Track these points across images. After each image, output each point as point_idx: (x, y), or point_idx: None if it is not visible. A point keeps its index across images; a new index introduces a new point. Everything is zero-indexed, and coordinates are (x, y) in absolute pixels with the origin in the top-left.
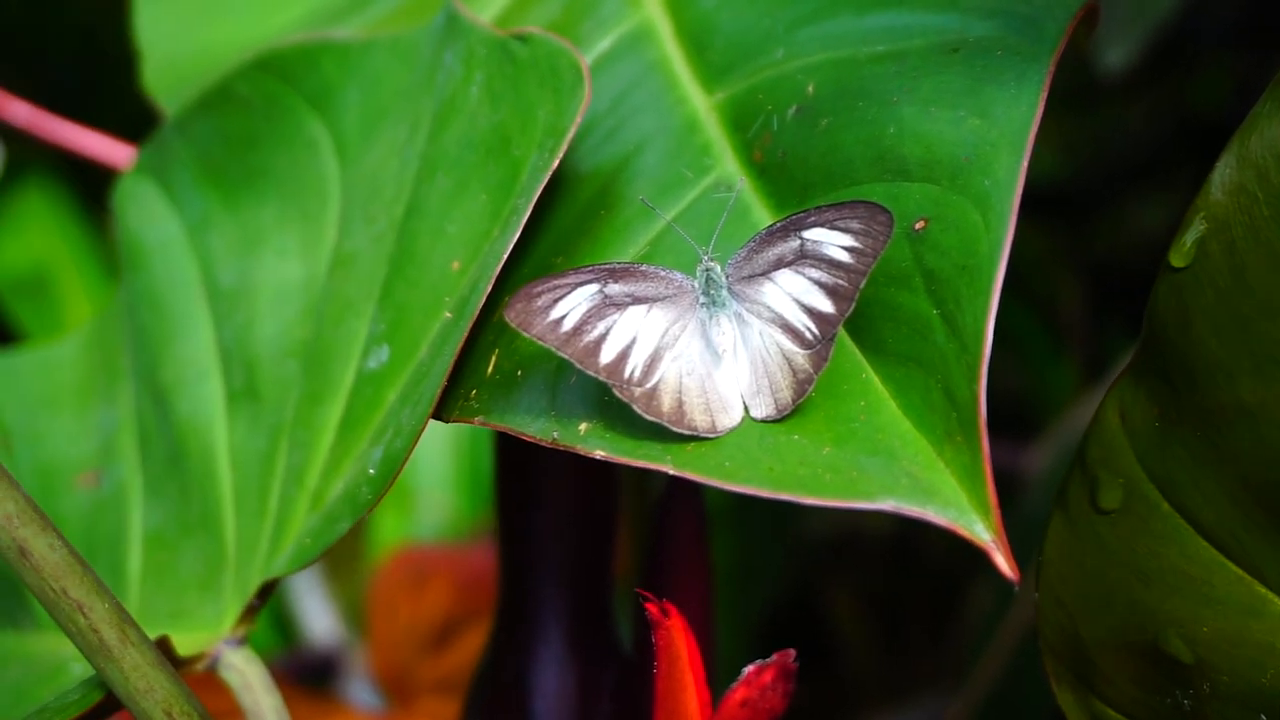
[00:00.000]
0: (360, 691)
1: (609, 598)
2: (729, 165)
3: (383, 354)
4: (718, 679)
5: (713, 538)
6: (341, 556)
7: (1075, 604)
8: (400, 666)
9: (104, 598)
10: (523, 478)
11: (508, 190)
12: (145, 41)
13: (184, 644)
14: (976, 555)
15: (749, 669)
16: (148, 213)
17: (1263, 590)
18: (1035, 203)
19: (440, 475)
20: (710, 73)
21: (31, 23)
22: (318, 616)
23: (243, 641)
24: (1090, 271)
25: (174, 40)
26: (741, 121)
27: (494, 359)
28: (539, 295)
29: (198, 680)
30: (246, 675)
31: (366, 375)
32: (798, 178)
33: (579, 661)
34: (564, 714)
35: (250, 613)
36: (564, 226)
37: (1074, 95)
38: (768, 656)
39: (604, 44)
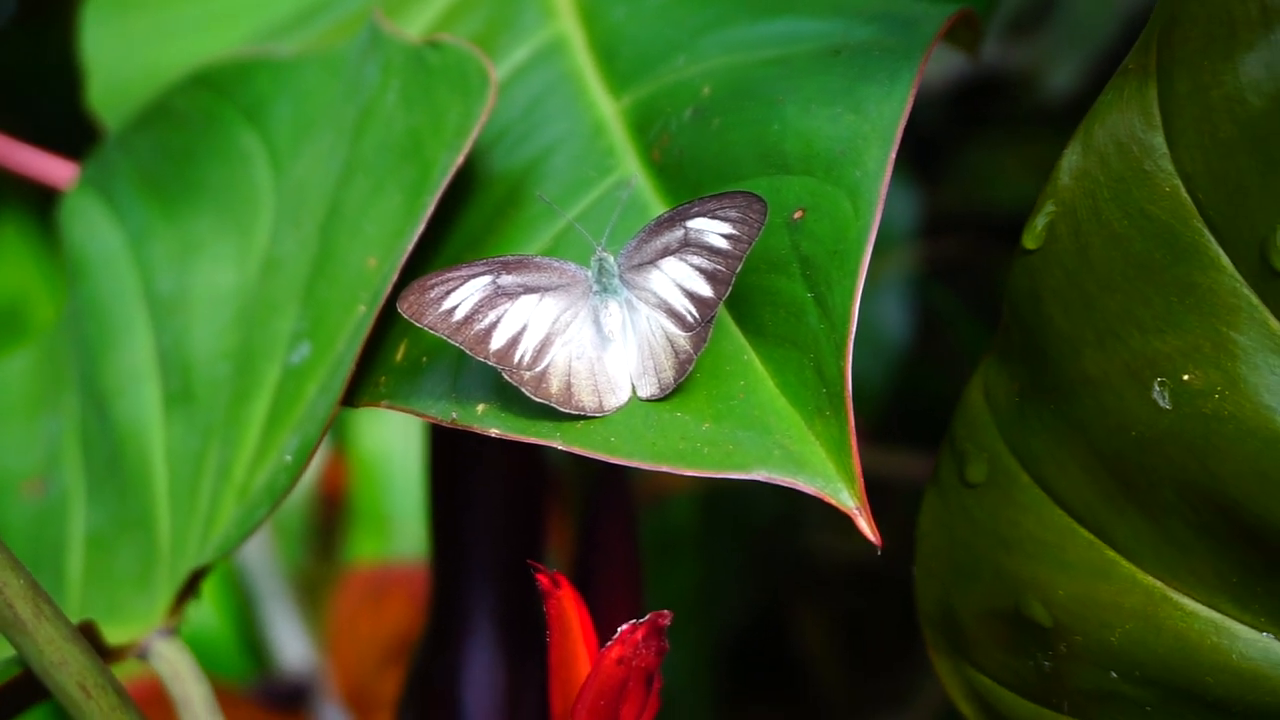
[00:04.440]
0: (332, 716)
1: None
2: (630, 165)
3: (304, 350)
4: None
5: (677, 561)
6: (316, 583)
7: (947, 575)
8: (363, 682)
9: (18, 574)
10: (452, 477)
11: (420, 189)
12: (91, 61)
13: (118, 637)
14: None
15: (623, 628)
16: (91, 226)
17: (1111, 554)
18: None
19: (415, 502)
20: (617, 80)
21: (23, 62)
22: (291, 643)
23: (173, 632)
24: None
25: (119, 60)
26: (644, 125)
27: (403, 348)
28: (432, 288)
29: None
30: (175, 665)
31: (290, 371)
32: (690, 175)
33: (508, 654)
34: (493, 706)
35: (180, 604)
36: (475, 225)
37: (1050, 122)
38: (732, 678)
39: (520, 54)
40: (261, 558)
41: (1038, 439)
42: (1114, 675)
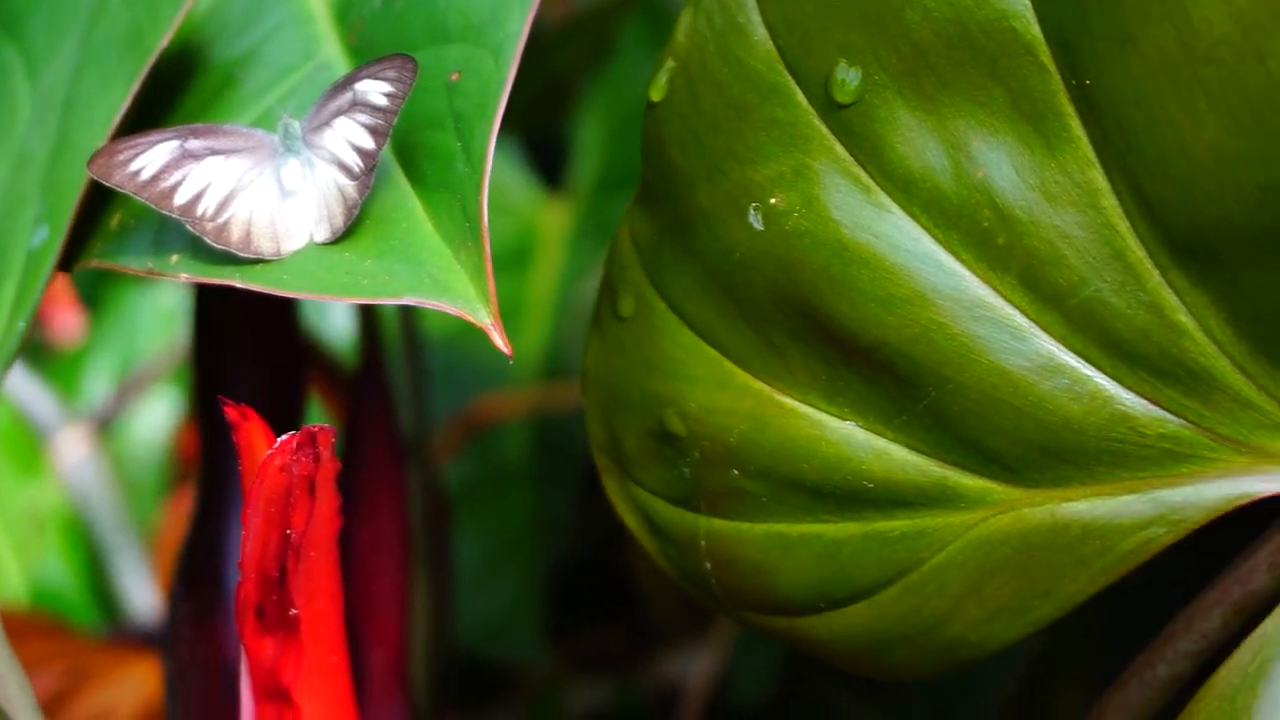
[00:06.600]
0: None
1: None
2: (331, 50)
3: (43, 233)
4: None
5: (509, 491)
6: (165, 532)
7: (608, 402)
8: None
9: None
10: (210, 364)
11: (138, 76)
12: None
13: None
14: None
15: (282, 438)
16: None
17: (729, 365)
18: None
19: None
20: None
21: None
22: (141, 593)
23: None
24: None
25: None
26: (345, 14)
27: (117, 218)
28: (121, 152)
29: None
30: None
31: (32, 254)
32: (377, 53)
33: None
34: None
35: None
36: (192, 108)
37: None
38: (566, 604)
39: None
40: (111, 514)
41: (670, 270)
42: (735, 473)
